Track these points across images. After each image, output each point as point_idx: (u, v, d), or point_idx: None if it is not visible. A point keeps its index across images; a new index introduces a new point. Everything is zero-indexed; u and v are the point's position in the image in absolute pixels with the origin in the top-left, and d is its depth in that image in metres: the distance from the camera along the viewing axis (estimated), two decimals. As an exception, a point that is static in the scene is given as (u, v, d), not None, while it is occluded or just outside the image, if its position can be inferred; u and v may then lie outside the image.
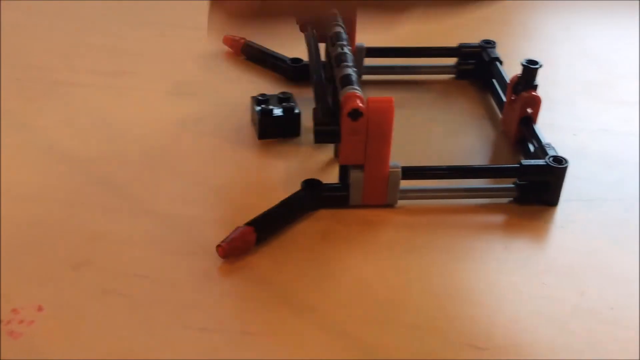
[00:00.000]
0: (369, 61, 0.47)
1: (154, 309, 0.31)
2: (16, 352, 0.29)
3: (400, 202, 0.37)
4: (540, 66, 0.40)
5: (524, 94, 0.40)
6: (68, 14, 0.53)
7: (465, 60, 0.47)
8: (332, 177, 0.38)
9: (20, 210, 0.35)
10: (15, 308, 0.30)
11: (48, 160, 0.39)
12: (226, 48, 0.49)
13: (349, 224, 0.36)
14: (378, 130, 0.34)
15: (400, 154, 0.36)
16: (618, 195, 0.38)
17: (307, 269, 0.33)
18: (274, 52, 0.47)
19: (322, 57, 0.41)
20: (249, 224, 0.34)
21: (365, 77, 0.47)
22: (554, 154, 0.37)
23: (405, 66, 0.47)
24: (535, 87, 0.40)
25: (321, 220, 0.36)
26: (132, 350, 0.29)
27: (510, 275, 0.33)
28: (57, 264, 0.33)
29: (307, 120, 0.42)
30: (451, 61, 0.48)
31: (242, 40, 0.48)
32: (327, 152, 0.40)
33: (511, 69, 0.43)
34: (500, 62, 0.46)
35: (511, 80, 0.41)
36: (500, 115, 0.43)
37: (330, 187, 0.36)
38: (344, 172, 0.37)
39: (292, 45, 0.47)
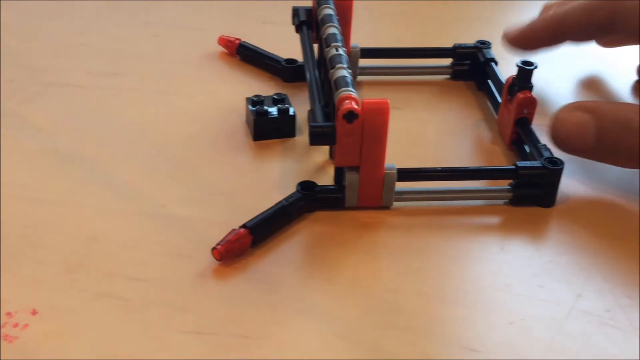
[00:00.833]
0: (363, 62, 0.47)
1: (149, 312, 0.31)
2: (11, 356, 0.28)
3: (396, 204, 0.37)
4: (536, 67, 0.40)
5: (520, 95, 0.40)
6: (61, 15, 0.53)
7: (460, 60, 0.47)
8: (327, 178, 0.38)
9: (13, 212, 0.35)
10: (9, 311, 0.30)
11: (42, 162, 0.39)
12: (221, 48, 0.49)
13: (345, 226, 0.36)
14: (373, 132, 0.34)
15: (395, 156, 0.36)
16: (615, 196, 0.38)
17: (303, 272, 0.33)
18: (268, 52, 0.47)
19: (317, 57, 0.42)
20: (244, 226, 0.34)
21: (360, 78, 0.47)
22: (550, 155, 0.37)
23: (400, 67, 0.47)
24: (530, 88, 0.40)
25: (316, 222, 0.36)
26: (127, 353, 0.29)
27: (506, 277, 0.33)
28: (51, 267, 0.33)
29: (302, 121, 0.42)
30: (446, 62, 0.48)
31: (237, 41, 0.48)
32: (323, 153, 0.40)
33: (507, 70, 0.43)
34: (496, 63, 0.46)
35: (507, 81, 0.41)
36: (495, 117, 0.43)
37: (325, 189, 0.36)
38: (339, 173, 0.37)
39: (286, 46, 0.47)
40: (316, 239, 0.35)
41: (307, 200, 0.36)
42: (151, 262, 0.33)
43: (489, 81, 0.45)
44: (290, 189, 0.36)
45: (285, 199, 0.35)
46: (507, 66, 0.45)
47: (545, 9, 0.45)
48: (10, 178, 0.37)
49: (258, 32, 0.51)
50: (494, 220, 0.37)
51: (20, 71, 0.46)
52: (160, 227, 0.35)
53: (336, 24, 0.40)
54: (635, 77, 0.48)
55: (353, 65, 0.46)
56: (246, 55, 0.48)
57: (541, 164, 0.36)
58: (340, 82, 0.35)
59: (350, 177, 0.35)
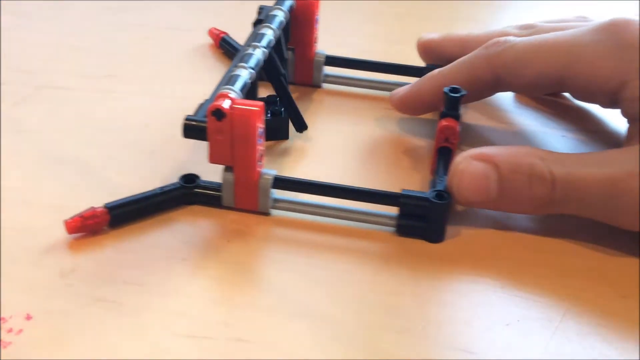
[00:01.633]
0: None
1: (143, 316, 0.31)
2: (5, 361, 0.29)
3: (279, 213, 0.36)
4: (463, 95, 0.37)
5: (442, 122, 0.37)
6: (52, 17, 0.53)
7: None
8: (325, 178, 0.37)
9: (6, 216, 0.36)
10: (4, 317, 0.31)
11: (35, 165, 0.39)
12: (212, 50, 0.50)
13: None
14: (242, 133, 0.33)
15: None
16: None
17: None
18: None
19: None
20: (107, 205, 0.34)
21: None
22: (442, 187, 0.35)
23: (368, 80, 0.46)
24: (456, 116, 0.38)
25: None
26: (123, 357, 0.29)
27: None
28: (45, 271, 0.33)
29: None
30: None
31: (221, 34, 0.49)
32: (319, 152, 0.40)
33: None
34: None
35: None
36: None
37: (205, 185, 0.36)
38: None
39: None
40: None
41: (184, 193, 0.36)
42: (146, 265, 0.33)
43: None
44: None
45: (161, 188, 0.36)
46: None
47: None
48: (3, 181, 0.38)
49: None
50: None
51: (11, 74, 0.46)
52: (156, 229, 0.35)
53: (274, 27, 0.40)
54: None
55: (317, 72, 0.45)
56: (226, 49, 0.49)
57: (426, 195, 0.34)
58: (228, 80, 0.35)
59: (224, 176, 0.35)
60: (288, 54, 0.44)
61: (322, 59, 0.45)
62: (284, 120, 0.41)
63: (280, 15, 0.41)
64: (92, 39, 0.51)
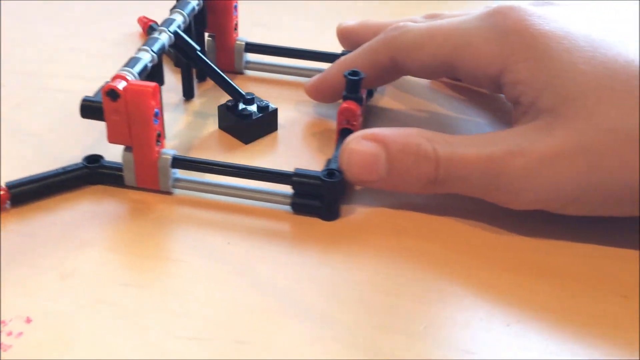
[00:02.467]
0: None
1: (144, 318, 0.31)
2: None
3: (184, 192, 0.37)
4: (362, 78, 0.38)
5: (343, 105, 0.38)
6: (51, 19, 0.53)
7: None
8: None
9: (6, 217, 0.36)
10: (3, 320, 0.31)
11: (35, 167, 0.38)
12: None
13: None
14: (137, 113, 0.34)
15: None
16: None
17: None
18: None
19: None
20: (7, 183, 0.35)
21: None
22: (336, 167, 0.36)
23: (290, 66, 0.47)
24: (357, 99, 0.38)
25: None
26: None
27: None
28: (45, 273, 0.33)
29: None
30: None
31: (150, 22, 0.50)
32: (314, 148, 0.41)
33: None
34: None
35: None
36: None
37: (108, 165, 0.37)
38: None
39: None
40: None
41: (87, 173, 0.37)
42: (146, 267, 0.33)
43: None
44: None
45: (63, 168, 0.37)
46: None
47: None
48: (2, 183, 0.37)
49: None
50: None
51: (11, 76, 0.46)
52: (153, 231, 0.35)
53: (184, 12, 0.41)
54: None
55: (238, 59, 0.46)
56: (154, 36, 0.49)
57: (318, 174, 0.35)
58: (128, 62, 0.36)
59: (125, 156, 0.36)
60: (208, 41, 0.45)
61: (243, 45, 0.46)
62: (272, 113, 0.42)
63: (192, 2, 0.42)
64: (91, 41, 0.50)
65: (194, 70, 0.44)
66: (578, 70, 0.34)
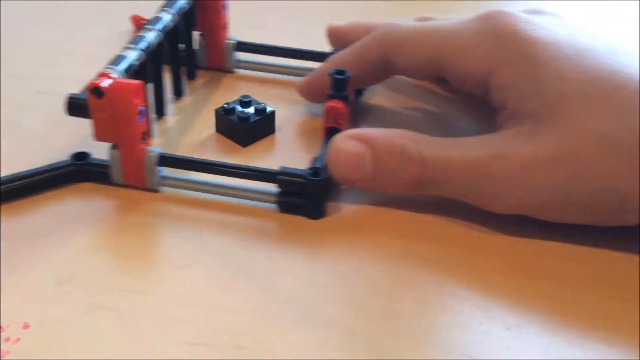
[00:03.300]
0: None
1: (142, 324, 0.31)
2: (2, 370, 0.30)
3: (171, 190, 0.37)
4: (348, 76, 0.38)
5: (329, 104, 0.38)
6: (50, 21, 0.53)
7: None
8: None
9: (3, 223, 0.36)
10: (0, 326, 0.31)
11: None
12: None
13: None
14: (122, 111, 0.34)
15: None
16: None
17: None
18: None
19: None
20: (-5, 179, 0.36)
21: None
22: (321, 165, 0.36)
23: (281, 65, 0.47)
24: (343, 97, 0.39)
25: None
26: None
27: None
28: (42, 279, 0.33)
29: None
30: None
31: (142, 21, 0.50)
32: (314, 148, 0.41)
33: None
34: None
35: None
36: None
37: (96, 162, 0.37)
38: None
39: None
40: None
41: (74, 170, 0.37)
42: (144, 272, 0.33)
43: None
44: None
45: (49, 165, 0.37)
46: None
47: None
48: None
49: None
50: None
51: (8, 80, 0.46)
52: (151, 234, 0.36)
53: (172, 10, 0.41)
54: None
55: (228, 57, 0.46)
56: (146, 35, 0.50)
57: (302, 172, 0.35)
58: (113, 60, 0.36)
59: (111, 154, 0.36)
60: (199, 39, 0.45)
61: (233, 44, 0.46)
62: (269, 116, 0.41)
63: (181, 1, 0.42)
64: (88, 44, 0.50)
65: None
66: (563, 77, 0.34)
